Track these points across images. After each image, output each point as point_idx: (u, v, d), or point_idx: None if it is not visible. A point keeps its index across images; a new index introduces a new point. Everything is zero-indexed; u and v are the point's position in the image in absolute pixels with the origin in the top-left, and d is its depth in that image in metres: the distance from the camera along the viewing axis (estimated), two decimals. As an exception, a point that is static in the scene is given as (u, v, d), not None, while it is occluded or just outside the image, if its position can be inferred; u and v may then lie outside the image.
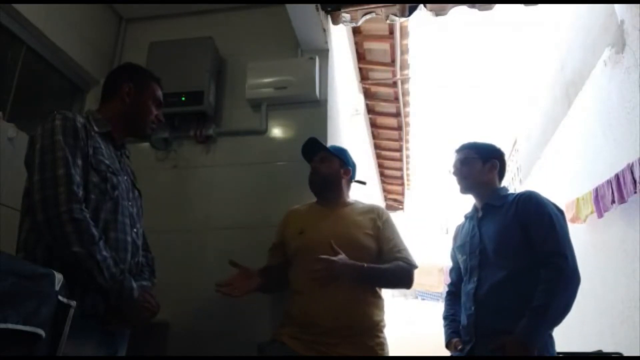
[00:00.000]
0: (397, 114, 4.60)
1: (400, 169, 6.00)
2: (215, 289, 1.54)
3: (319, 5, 2.26)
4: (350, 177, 1.86)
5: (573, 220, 3.45)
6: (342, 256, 1.51)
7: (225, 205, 2.19)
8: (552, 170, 4.68)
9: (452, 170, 1.83)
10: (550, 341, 1.52)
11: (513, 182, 6.78)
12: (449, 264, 2.00)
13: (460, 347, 1.67)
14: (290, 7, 2.12)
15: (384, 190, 6.87)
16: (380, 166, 6.00)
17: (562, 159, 4.35)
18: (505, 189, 1.80)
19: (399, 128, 4.86)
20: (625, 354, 2.11)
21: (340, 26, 2.59)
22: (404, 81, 4.00)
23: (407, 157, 5.60)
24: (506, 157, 1.88)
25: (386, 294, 1.76)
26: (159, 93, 1.50)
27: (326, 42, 2.36)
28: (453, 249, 1.89)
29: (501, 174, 1.81)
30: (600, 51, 3.26)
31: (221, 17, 2.55)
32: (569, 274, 1.47)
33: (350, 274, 1.52)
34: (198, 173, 2.28)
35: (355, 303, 1.55)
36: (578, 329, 3.33)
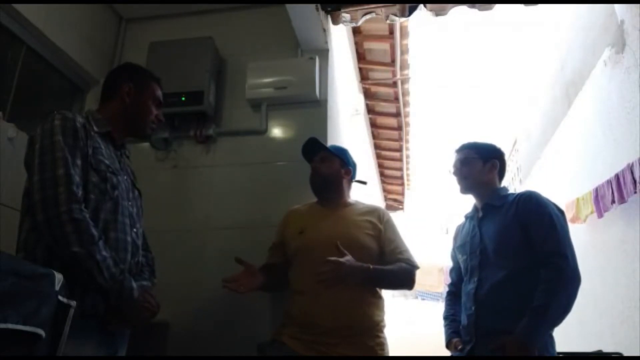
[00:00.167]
0: (397, 114, 4.60)
1: (400, 169, 5.99)
2: (221, 285, 1.53)
3: (319, 5, 2.26)
4: (351, 177, 1.86)
5: (573, 220, 3.45)
6: (348, 257, 1.50)
7: (225, 205, 2.19)
8: (552, 170, 4.68)
9: (452, 170, 1.83)
10: (550, 341, 1.52)
11: (513, 182, 6.78)
12: (449, 264, 2.00)
13: (460, 347, 1.67)
14: (290, 7, 2.12)
15: (384, 190, 6.87)
16: (380, 166, 6.00)
17: (562, 159, 4.35)
18: (505, 189, 1.80)
19: (399, 128, 4.86)
20: (625, 354, 2.12)
21: (340, 26, 2.59)
22: (404, 81, 4.00)
23: (407, 157, 5.60)
24: (506, 157, 1.88)
25: (386, 294, 1.76)
26: (159, 93, 1.50)
27: (326, 42, 2.35)
28: (453, 249, 1.89)
29: (501, 174, 1.81)
30: (600, 51, 3.26)
31: (221, 17, 2.55)
32: (569, 274, 1.47)
33: (357, 275, 1.51)
34: (198, 173, 2.28)
35: (355, 303, 1.55)
36: (578, 329, 3.33)
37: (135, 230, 1.35)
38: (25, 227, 1.20)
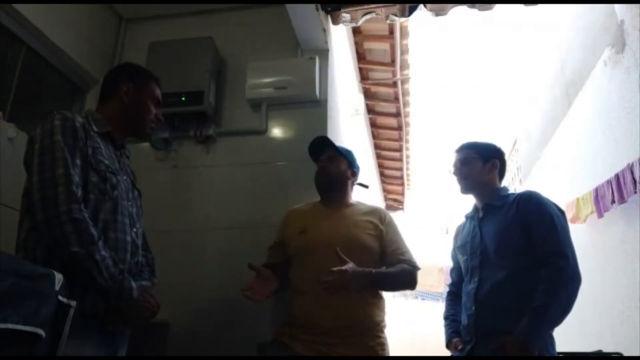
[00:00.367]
0: (397, 114, 4.60)
1: (400, 169, 5.99)
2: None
3: (319, 5, 2.26)
4: (354, 180, 1.86)
5: (573, 220, 3.44)
6: (350, 265, 1.48)
7: (225, 205, 2.19)
8: (552, 170, 4.68)
9: (452, 170, 1.83)
10: (550, 341, 1.52)
11: (513, 182, 6.78)
12: (449, 264, 2.00)
13: (460, 347, 1.67)
14: (290, 7, 2.12)
15: (384, 190, 6.86)
16: (380, 166, 6.00)
17: (562, 159, 4.35)
18: (505, 189, 1.80)
19: (399, 128, 4.86)
20: (625, 354, 2.12)
21: (340, 26, 2.59)
22: (404, 81, 4.00)
23: (407, 157, 5.60)
24: (506, 157, 1.88)
25: (386, 294, 1.76)
26: (158, 92, 1.50)
27: (326, 42, 2.36)
28: (454, 249, 1.89)
29: (501, 173, 1.81)
30: (600, 51, 3.26)
31: (221, 17, 2.55)
32: (569, 274, 1.47)
33: (360, 281, 1.50)
34: (198, 173, 2.28)
35: (355, 303, 1.55)
36: (578, 329, 3.33)
37: (135, 230, 1.35)
38: (25, 227, 1.20)
